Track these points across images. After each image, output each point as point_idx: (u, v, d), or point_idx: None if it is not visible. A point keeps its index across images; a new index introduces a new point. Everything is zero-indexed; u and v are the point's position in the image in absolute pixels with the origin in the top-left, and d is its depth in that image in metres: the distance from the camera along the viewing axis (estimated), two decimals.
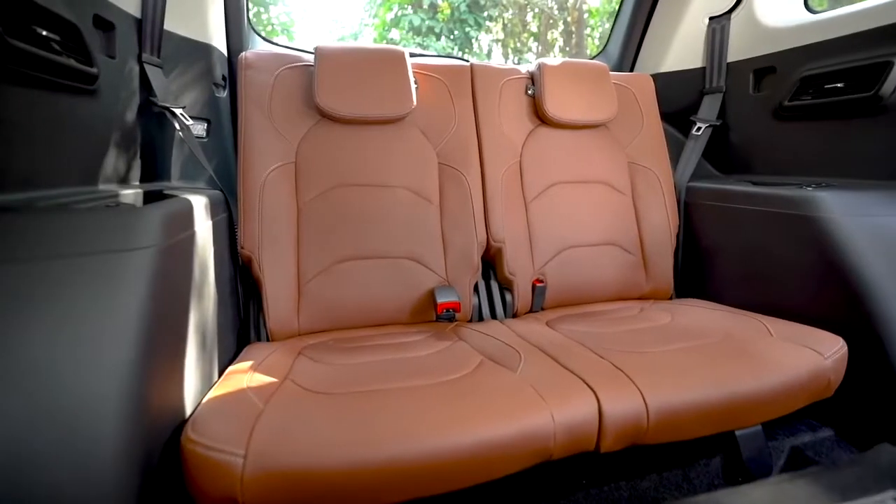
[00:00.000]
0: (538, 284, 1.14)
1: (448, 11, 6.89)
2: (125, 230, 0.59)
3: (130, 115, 0.88)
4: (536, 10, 8.31)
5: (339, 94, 1.04)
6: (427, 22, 6.70)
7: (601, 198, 1.23)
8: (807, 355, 0.80)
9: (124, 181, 0.87)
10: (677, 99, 1.39)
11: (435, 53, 1.48)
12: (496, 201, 1.13)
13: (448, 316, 1.06)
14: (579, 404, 0.66)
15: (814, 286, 0.94)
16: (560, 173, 1.21)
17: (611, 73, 1.32)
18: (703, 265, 1.23)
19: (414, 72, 1.15)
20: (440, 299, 1.00)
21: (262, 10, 6.76)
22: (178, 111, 0.95)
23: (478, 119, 1.17)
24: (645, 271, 1.23)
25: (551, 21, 8.52)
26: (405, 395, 0.68)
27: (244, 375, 0.74)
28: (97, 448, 0.48)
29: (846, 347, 0.83)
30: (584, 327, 0.99)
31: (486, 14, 7.10)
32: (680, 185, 1.28)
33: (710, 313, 1.04)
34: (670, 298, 1.25)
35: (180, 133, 0.95)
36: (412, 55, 1.45)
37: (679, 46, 1.37)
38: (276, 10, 6.94)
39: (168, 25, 0.98)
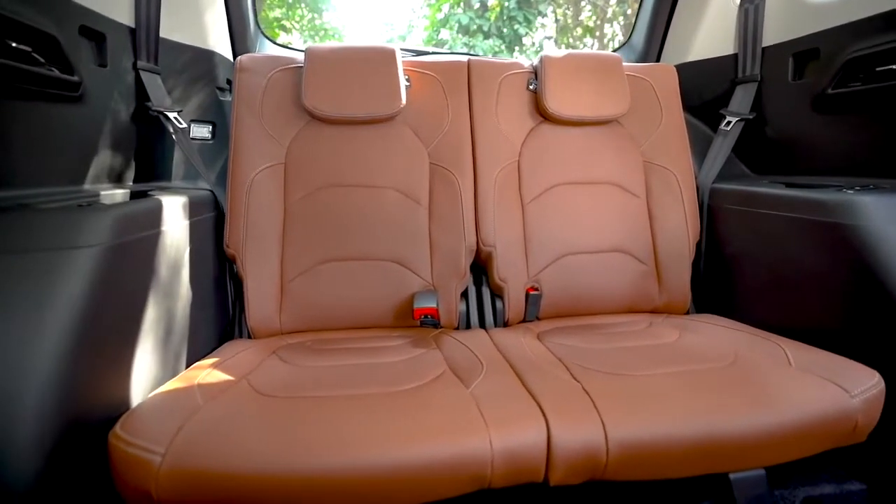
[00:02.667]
0: (532, 292, 1.07)
1: (498, 9, 6.79)
2: (69, 229, 0.61)
3: (124, 119, 0.93)
4: (592, 3, 7.96)
5: (327, 94, 1.04)
6: (476, 21, 6.64)
7: (609, 200, 1.13)
8: (828, 391, 0.67)
9: (114, 181, 0.92)
10: (707, 90, 1.24)
11: (445, 51, 1.44)
12: (488, 203, 1.07)
13: (432, 322, 1.02)
14: (524, 430, 0.60)
15: (849, 308, 0.79)
16: (563, 173, 1.12)
17: (631, 64, 1.21)
18: (727, 277, 1.09)
19: (407, 69, 1.12)
20: (417, 305, 0.96)
21: (315, 15, 7.08)
22: (172, 115, 0.99)
23: (473, 117, 1.11)
24: (658, 282, 1.11)
25: (610, 14, 8.13)
26: (351, 403, 0.65)
27: (202, 372, 0.75)
28: (10, 441, 0.50)
29: (883, 384, 0.69)
30: (576, 342, 0.91)
31: (537, 10, 6.91)
32: (703, 187, 1.14)
33: (724, 333, 0.91)
34: (687, 313, 1.12)
35: (174, 136, 0.99)
36: (420, 53, 1.44)
37: (708, 32, 1.23)
38: (329, 16, 7.26)
39: (168, 34, 1.02)
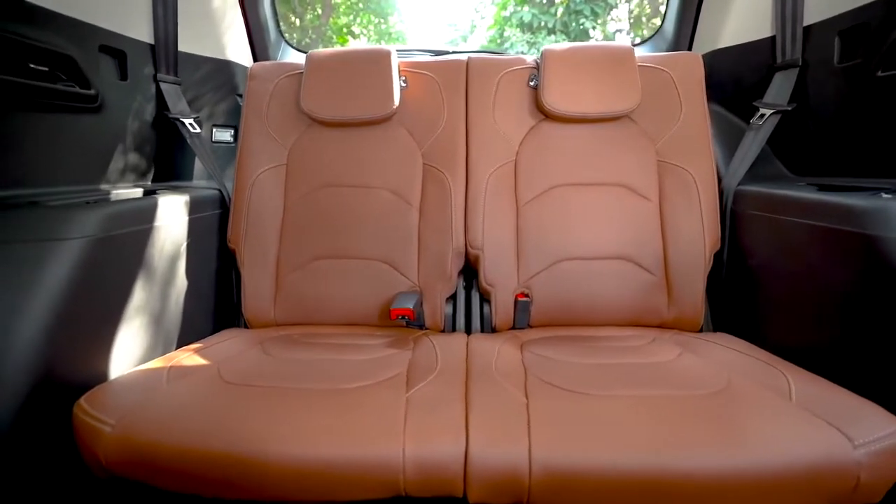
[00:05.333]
0: (521, 299, 1.02)
1: (565, 3, 6.55)
2: (59, 223, 0.69)
3: (144, 126, 1.04)
4: None
5: (324, 97, 1.07)
6: (539, 17, 6.47)
7: (616, 203, 1.04)
8: (824, 436, 0.57)
9: (134, 181, 1.03)
10: (742, 80, 1.10)
11: (465, 50, 1.40)
12: (478, 204, 1.04)
13: (417, 324, 1.02)
14: (440, 442, 0.58)
15: (878, 339, 0.66)
16: (564, 174, 1.06)
17: (651, 54, 1.11)
18: (748, 292, 0.95)
19: (405, 70, 1.12)
20: (394, 305, 0.95)
21: (381, 20, 7.35)
22: (187, 121, 1.09)
23: (468, 116, 1.08)
24: (668, 295, 1.00)
25: None
26: (296, 396, 0.68)
27: (183, 355, 0.82)
28: None
29: None
30: (557, 354, 0.85)
31: (605, 2, 6.55)
32: (728, 190, 1.01)
33: (728, 355, 0.80)
34: (701, 330, 1.00)
35: (188, 139, 1.09)
36: (440, 53, 1.43)
37: (742, 12, 1.08)
38: (394, 19, 7.50)
39: (189, 48, 1.13)
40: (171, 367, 0.76)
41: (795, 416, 0.60)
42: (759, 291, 0.92)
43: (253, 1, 1.25)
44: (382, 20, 7.37)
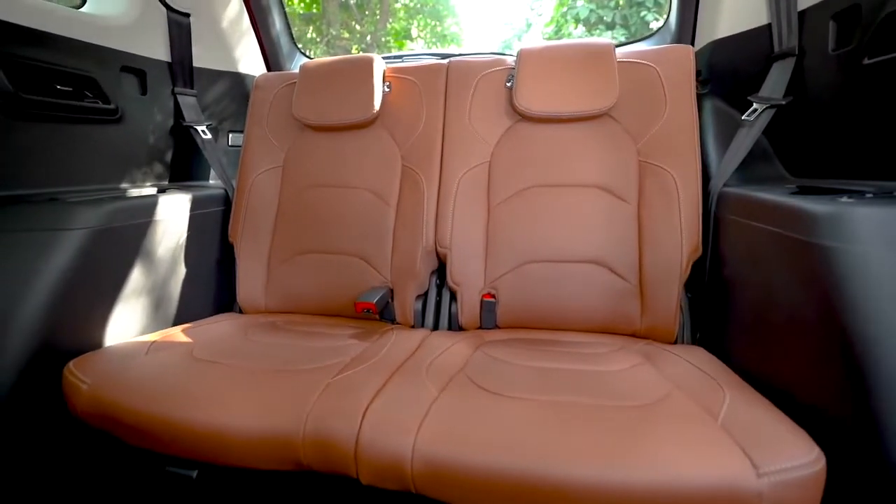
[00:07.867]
0: (487, 299, 1.03)
1: None
2: (66, 215, 0.83)
3: (162, 133, 1.19)
4: None
5: (313, 104, 1.15)
6: (597, 11, 6.21)
7: (591, 205, 1.01)
8: (729, 460, 0.53)
9: (152, 181, 1.18)
10: (741, 71, 1.01)
11: (471, 52, 1.40)
12: (448, 204, 1.06)
13: (389, 318, 1.06)
14: (337, 423, 0.63)
15: (814, 359, 0.60)
16: (539, 175, 1.04)
17: (639, 48, 1.06)
18: (721, 304, 0.88)
19: (389, 75, 1.17)
20: (360, 298, 1.00)
21: (437, 23, 7.48)
22: (199, 129, 1.22)
23: (445, 118, 1.11)
24: (641, 303, 0.96)
25: None
26: (241, 373, 0.76)
27: (172, 332, 0.94)
28: None
29: (823, 464, 0.51)
30: (508, 356, 0.85)
31: None
32: (714, 192, 0.94)
33: (683, 369, 0.76)
34: (676, 341, 0.94)
35: (200, 145, 1.22)
36: (446, 56, 1.45)
37: None
38: (449, 21, 7.58)
39: (205, 63, 1.26)
40: (154, 341, 0.88)
41: (710, 437, 0.56)
42: (728, 304, 0.85)
43: (264, 19, 1.37)
44: (438, 23, 7.51)
